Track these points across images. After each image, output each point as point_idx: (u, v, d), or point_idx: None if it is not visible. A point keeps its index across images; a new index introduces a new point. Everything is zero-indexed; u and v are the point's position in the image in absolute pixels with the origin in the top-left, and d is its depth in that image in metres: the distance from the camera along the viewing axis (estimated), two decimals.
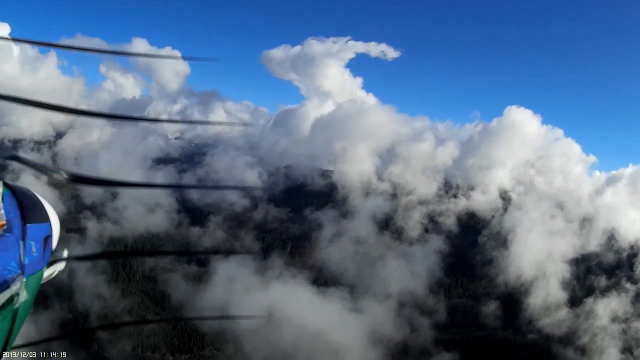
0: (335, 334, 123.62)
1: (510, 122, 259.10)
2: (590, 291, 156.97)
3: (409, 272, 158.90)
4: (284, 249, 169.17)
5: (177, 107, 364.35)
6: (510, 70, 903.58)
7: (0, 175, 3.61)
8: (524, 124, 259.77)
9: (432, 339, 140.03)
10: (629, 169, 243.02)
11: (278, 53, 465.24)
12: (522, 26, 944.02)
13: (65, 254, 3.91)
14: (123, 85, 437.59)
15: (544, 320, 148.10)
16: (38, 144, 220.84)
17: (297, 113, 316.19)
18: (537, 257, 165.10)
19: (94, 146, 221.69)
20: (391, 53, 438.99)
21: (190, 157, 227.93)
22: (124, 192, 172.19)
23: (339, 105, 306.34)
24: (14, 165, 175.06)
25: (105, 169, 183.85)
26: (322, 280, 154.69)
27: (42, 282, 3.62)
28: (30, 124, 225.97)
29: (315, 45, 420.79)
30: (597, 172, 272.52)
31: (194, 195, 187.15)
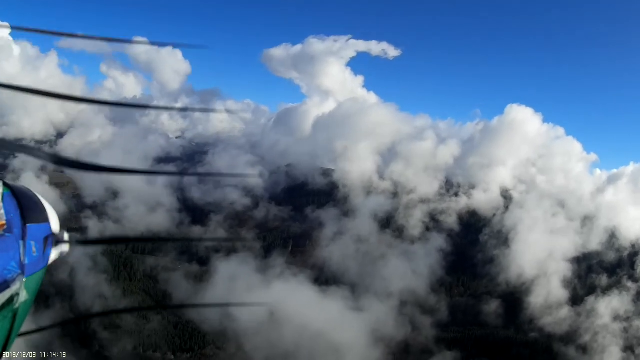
0: (337, 333, 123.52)
1: (511, 120, 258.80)
2: (591, 290, 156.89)
3: (410, 270, 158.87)
4: (285, 248, 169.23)
5: (178, 105, 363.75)
6: (511, 68, 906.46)
7: (0, 175, 3.59)
8: (525, 123, 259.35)
9: (433, 338, 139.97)
10: (630, 167, 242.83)
11: (279, 52, 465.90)
12: (523, 24, 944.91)
13: (66, 236, 3.92)
14: (124, 84, 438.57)
15: (545, 319, 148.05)
16: (39, 144, 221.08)
17: (298, 112, 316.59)
18: (538, 256, 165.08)
19: (95, 145, 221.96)
20: (392, 52, 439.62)
21: (192, 156, 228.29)
22: (126, 191, 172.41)
23: (340, 104, 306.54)
24: (12, 167, 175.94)
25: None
26: (324, 279, 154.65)
27: (49, 264, 3.65)
28: (31, 123, 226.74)
29: (316, 44, 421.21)
30: (598, 171, 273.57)
31: (195, 194, 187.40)
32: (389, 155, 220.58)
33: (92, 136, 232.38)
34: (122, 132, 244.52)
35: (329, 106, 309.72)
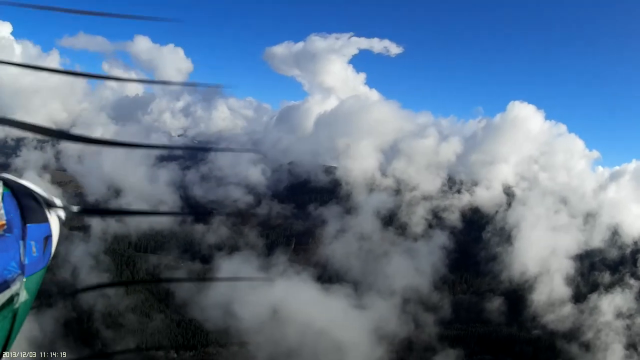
0: (340, 330, 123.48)
1: (513, 117, 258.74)
2: (594, 287, 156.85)
3: (413, 268, 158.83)
4: (288, 246, 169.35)
5: (180, 103, 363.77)
6: (513, 65, 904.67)
7: (0, 175, 3.56)
8: (527, 120, 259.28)
9: (436, 335, 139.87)
10: (633, 165, 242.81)
11: (281, 49, 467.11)
12: (525, 22, 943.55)
13: (57, 201, 3.86)
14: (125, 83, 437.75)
15: (548, 316, 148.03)
16: (41, 143, 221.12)
17: (300, 109, 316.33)
18: (541, 253, 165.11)
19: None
20: (394, 49, 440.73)
21: (194, 154, 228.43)
22: (128, 190, 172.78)
23: (342, 101, 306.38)
24: (13, 166, 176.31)
25: (107, 168, 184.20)
26: (326, 277, 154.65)
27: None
28: (33, 122, 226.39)
29: (318, 42, 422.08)
30: (600, 168, 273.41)
31: (198, 192, 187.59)
32: (391, 152, 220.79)
33: (94, 135, 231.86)
34: (124, 130, 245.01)
35: (331, 104, 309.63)
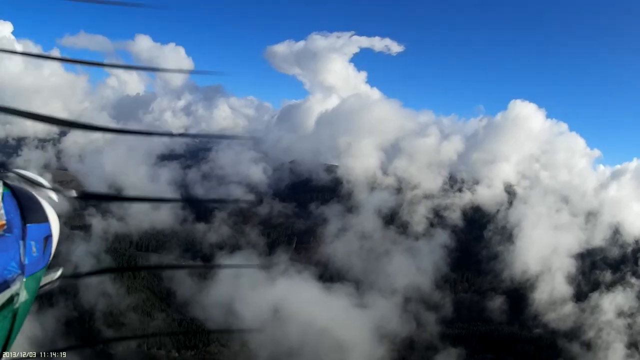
0: (341, 329, 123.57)
1: (514, 116, 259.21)
2: (595, 286, 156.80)
3: (414, 267, 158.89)
4: (289, 245, 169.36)
5: (181, 102, 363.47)
6: (514, 64, 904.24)
7: (0, 175, 3.58)
8: (528, 118, 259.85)
9: (438, 334, 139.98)
10: (634, 163, 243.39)
11: (282, 48, 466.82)
12: (526, 20, 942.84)
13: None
14: (127, 82, 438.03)
15: (549, 315, 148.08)
16: (42, 142, 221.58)
17: (301, 108, 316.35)
18: (542, 252, 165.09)
19: (99, 143, 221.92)
20: (395, 47, 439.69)
21: (195, 153, 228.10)
22: (129, 188, 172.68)
23: (343, 100, 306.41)
24: (17, 163, 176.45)
25: (109, 166, 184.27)
26: (328, 275, 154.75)
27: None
28: (34, 122, 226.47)
29: (319, 40, 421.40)
30: (601, 167, 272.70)
31: (199, 191, 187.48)
32: (392, 151, 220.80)
33: (95, 134, 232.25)
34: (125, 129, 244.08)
35: (332, 102, 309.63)
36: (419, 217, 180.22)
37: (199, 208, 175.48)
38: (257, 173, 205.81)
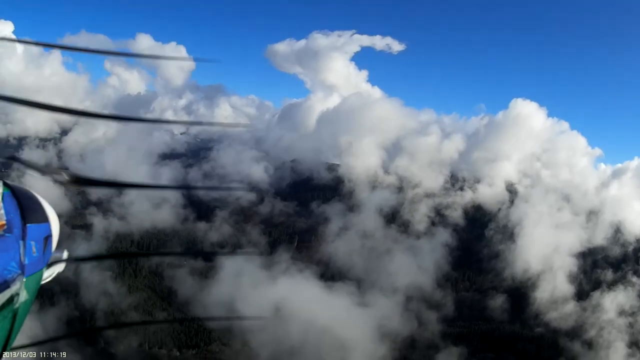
0: (343, 328, 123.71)
1: (515, 115, 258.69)
2: (597, 285, 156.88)
3: (416, 265, 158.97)
4: (290, 244, 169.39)
5: (182, 102, 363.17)
6: (515, 63, 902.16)
7: (0, 175, 3.56)
8: (529, 117, 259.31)
9: (439, 333, 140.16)
10: (635, 162, 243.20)
11: (283, 47, 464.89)
12: (527, 19, 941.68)
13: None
14: (128, 81, 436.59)
15: (551, 314, 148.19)
16: (43, 141, 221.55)
17: (302, 107, 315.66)
18: (543, 251, 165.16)
19: (100, 142, 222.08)
20: (396, 46, 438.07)
21: (196, 152, 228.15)
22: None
23: (344, 99, 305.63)
24: (16, 164, 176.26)
25: (110, 166, 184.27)
26: (329, 274, 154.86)
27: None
28: (35, 121, 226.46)
29: (320, 39, 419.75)
30: (602, 165, 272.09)
31: (200, 190, 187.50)
32: (393, 149, 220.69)
33: (97, 133, 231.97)
34: (126, 128, 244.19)
35: (334, 101, 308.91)
36: (420, 216, 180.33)
37: (200, 207, 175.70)
38: (258, 172, 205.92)
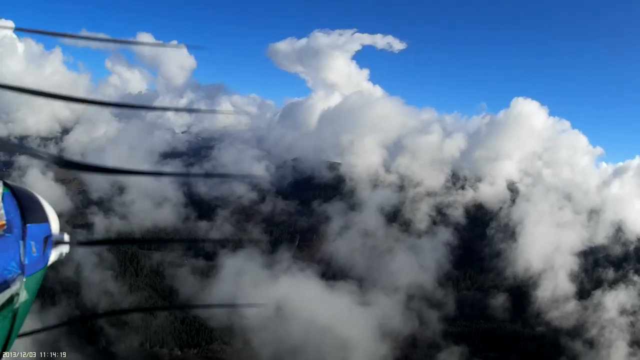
0: (344, 327, 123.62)
1: (517, 114, 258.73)
2: (598, 284, 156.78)
3: (417, 264, 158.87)
4: (292, 242, 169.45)
5: (183, 100, 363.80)
6: (517, 61, 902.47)
7: (0, 175, 3.56)
8: (531, 116, 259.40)
9: (440, 332, 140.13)
10: (636, 161, 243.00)
11: (284, 46, 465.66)
12: (529, 17, 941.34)
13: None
14: (129, 80, 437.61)
15: (552, 313, 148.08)
16: (44, 140, 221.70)
17: (303, 106, 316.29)
18: (545, 249, 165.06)
19: (101, 141, 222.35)
20: (397, 45, 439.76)
21: (198, 150, 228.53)
22: (131, 187, 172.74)
23: (345, 98, 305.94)
24: (17, 164, 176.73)
25: (111, 165, 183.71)
26: (331, 273, 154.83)
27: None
28: (37, 120, 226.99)
29: (321, 38, 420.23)
30: (604, 164, 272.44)
31: (202, 188, 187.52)
32: (395, 148, 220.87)
33: (98, 132, 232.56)
34: (127, 127, 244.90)
35: (335, 100, 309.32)
36: (421, 215, 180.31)
37: (201, 206, 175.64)
38: (260, 171, 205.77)
